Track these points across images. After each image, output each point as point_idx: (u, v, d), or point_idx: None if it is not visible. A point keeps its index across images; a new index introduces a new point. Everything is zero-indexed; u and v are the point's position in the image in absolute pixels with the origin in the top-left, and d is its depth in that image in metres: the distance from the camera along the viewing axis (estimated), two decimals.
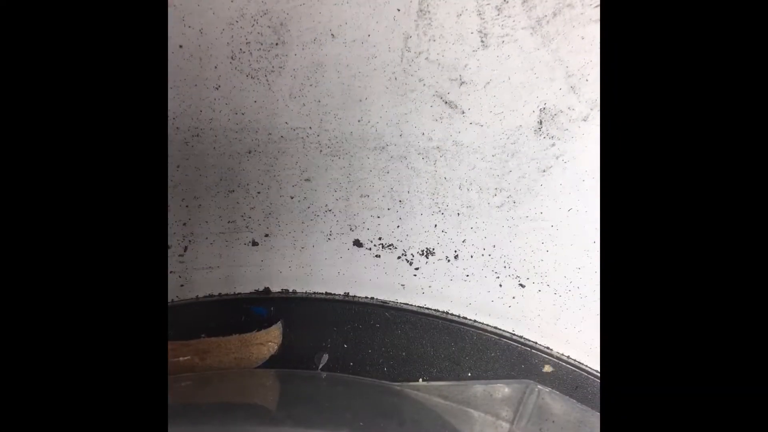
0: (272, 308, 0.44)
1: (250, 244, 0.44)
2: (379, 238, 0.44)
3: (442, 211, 0.43)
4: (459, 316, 0.44)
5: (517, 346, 0.43)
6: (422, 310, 0.44)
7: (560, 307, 0.43)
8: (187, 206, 0.43)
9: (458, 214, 0.43)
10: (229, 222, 0.44)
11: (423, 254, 0.44)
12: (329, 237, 0.44)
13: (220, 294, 0.45)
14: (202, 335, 0.44)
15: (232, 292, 0.45)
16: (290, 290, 0.45)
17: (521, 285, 0.43)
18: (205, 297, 0.45)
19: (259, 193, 0.43)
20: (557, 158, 0.41)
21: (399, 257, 0.44)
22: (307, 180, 0.43)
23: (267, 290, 0.45)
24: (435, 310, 0.44)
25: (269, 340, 0.44)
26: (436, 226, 0.43)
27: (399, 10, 0.40)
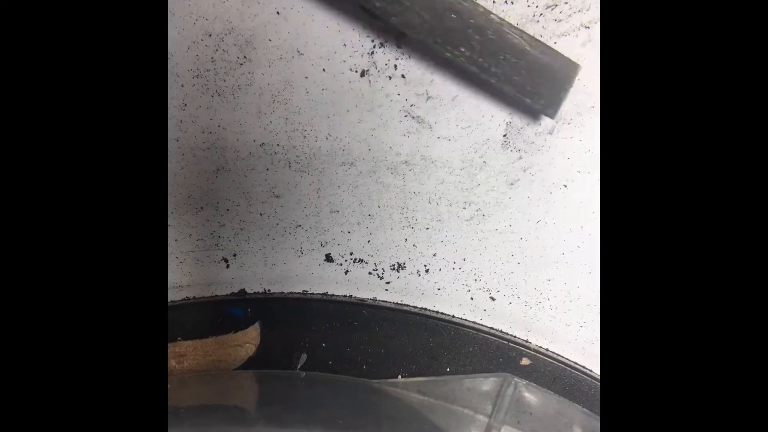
0: (249, 309, 0.44)
1: (221, 262, 0.44)
2: (351, 253, 0.44)
3: (411, 226, 0.43)
4: (436, 312, 0.44)
5: (495, 340, 0.43)
6: (399, 307, 0.44)
7: (531, 318, 0.43)
8: None
9: (428, 228, 0.43)
10: (198, 240, 0.44)
11: (394, 269, 0.44)
12: (300, 253, 0.44)
13: (194, 297, 0.44)
14: (179, 338, 0.44)
15: (209, 294, 0.44)
16: (267, 290, 0.44)
17: (492, 298, 0.43)
18: (181, 300, 0.44)
19: (228, 210, 0.43)
20: (524, 171, 0.42)
21: (370, 273, 0.44)
22: (277, 196, 0.43)
23: (242, 292, 0.44)
24: (412, 306, 0.44)
25: (247, 341, 0.43)
26: (406, 240, 0.43)
27: (363, 28, 0.40)
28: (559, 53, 0.37)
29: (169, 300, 0.44)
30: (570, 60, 0.37)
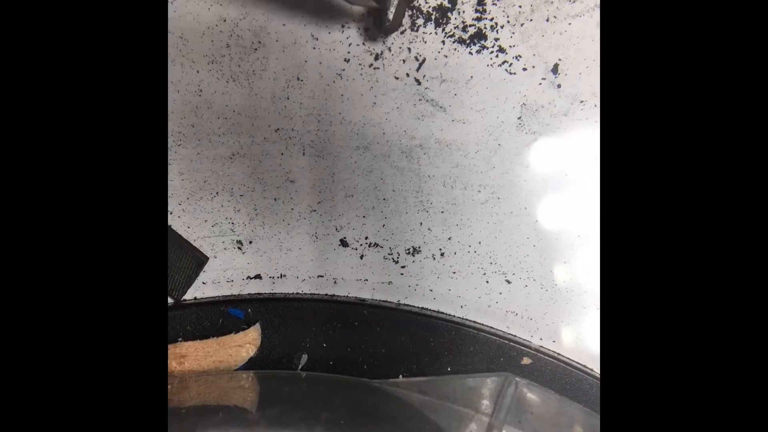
0: (249, 310, 0.44)
1: (236, 248, 0.44)
2: (365, 238, 0.44)
3: (426, 209, 0.43)
4: (437, 312, 0.44)
5: (496, 339, 0.43)
6: (399, 307, 0.44)
7: (547, 301, 0.43)
8: (170, 211, 0.43)
9: (442, 211, 0.43)
10: (213, 225, 0.44)
11: (409, 253, 0.44)
12: (315, 238, 0.44)
13: (195, 298, 0.44)
14: (180, 339, 0.44)
15: (208, 296, 0.44)
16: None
17: (508, 281, 0.43)
18: (181, 301, 0.44)
19: (242, 195, 0.43)
20: (540, 153, 0.42)
21: (385, 257, 0.44)
22: (292, 181, 0.43)
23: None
24: (412, 306, 0.44)
25: (247, 342, 0.43)
26: (421, 224, 0.43)
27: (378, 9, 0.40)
28: None
29: (170, 300, 0.44)
30: None
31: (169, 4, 0.40)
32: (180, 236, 0.43)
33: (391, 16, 0.38)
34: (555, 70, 0.40)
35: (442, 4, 0.40)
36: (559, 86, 0.41)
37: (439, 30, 0.40)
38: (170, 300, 0.44)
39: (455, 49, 0.40)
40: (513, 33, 0.40)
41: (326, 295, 0.44)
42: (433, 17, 0.40)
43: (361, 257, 0.44)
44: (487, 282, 0.43)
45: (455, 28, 0.40)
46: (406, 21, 0.40)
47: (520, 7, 0.40)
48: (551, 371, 0.43)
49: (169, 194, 0.43)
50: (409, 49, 0.41)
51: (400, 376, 0.43)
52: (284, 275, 0.44)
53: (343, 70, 0.41)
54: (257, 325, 0.44)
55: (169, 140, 0.42)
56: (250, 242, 0.44)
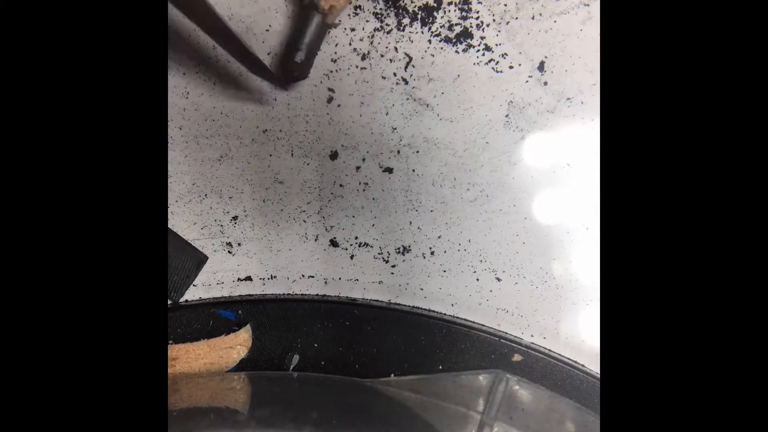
0: (240, 311, 0.44)
1: (225, 250, 0.44)
2: (355, 238, 0.44)
3: (416, 208, 0.43)
4: (428, 310, 0.44)
5: (487, 337, 0.43)
6: (390, 306, 0.44)
7: (537, 298, 0.43)
8: None
9: (432, 210, 0.43)
10: (202, 228, 0.44)
11: (399, 252, 0.44)
12: (305, 239, 0.44)
13: (186, 300, 0.44)
14: (170, 342, 0.44)
15: (197, 298, 0.44)
16: (258, 292, 0.45)
17: (498, 279, 0.43)
18: (171, 303, 0.44)
19: (231, 197, 0.43)
20: (527, 150, 0.42)
21: (375, 257, 0.44)
22: (281, 182, 0.43)
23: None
24: (403, 305, 0.44)
25: (238, 343, 0.43)
26: (411, 223, 0.43)
27: (363, 8, 0.40)
28: None
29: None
30: None
31: None
32: (178, 236, 0.42)
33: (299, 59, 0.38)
34: (541, 67, 0.41)
35: (427, 3, 0.40)
36: (545, 84, 0.41)
37: (426, 29, 0.40)
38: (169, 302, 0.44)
39: (442, 48, 0.41)
40: (499, 31, 0.40)
41: (317, 295, 0.44)
42: (419, 16, 0.40)
43: (352, 257, 0.44)
44: (478, 280, 0.43)
45: (441, 27, 0.40)
46: (392, 21, 0.40)
47: (506, 5, 0.40)
48: (542, 368, 0.43)
49: None
50: (396, 48, 0.41)
51: (392, 374, 0.43)
52: (275, 276, 0.44)
53: (331, 70, 0.41)
54: (248, 327, 0.44)
55: None
56: (240, 244, 0.44)
